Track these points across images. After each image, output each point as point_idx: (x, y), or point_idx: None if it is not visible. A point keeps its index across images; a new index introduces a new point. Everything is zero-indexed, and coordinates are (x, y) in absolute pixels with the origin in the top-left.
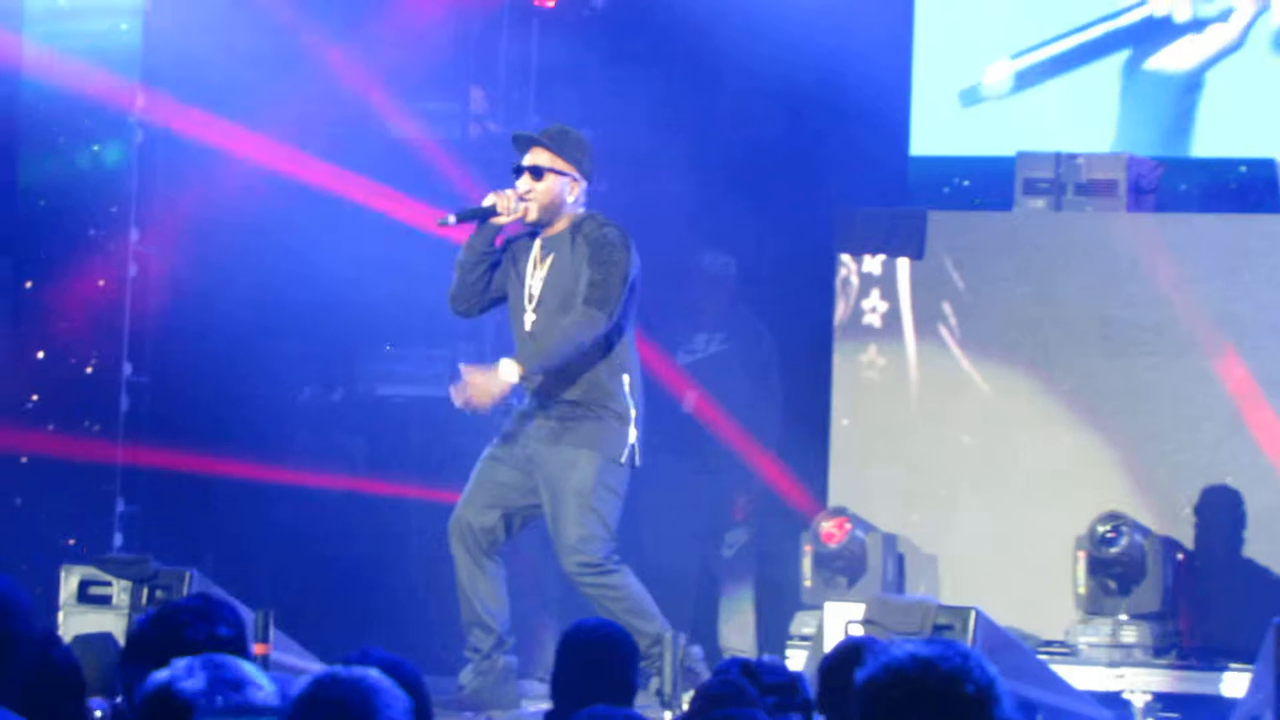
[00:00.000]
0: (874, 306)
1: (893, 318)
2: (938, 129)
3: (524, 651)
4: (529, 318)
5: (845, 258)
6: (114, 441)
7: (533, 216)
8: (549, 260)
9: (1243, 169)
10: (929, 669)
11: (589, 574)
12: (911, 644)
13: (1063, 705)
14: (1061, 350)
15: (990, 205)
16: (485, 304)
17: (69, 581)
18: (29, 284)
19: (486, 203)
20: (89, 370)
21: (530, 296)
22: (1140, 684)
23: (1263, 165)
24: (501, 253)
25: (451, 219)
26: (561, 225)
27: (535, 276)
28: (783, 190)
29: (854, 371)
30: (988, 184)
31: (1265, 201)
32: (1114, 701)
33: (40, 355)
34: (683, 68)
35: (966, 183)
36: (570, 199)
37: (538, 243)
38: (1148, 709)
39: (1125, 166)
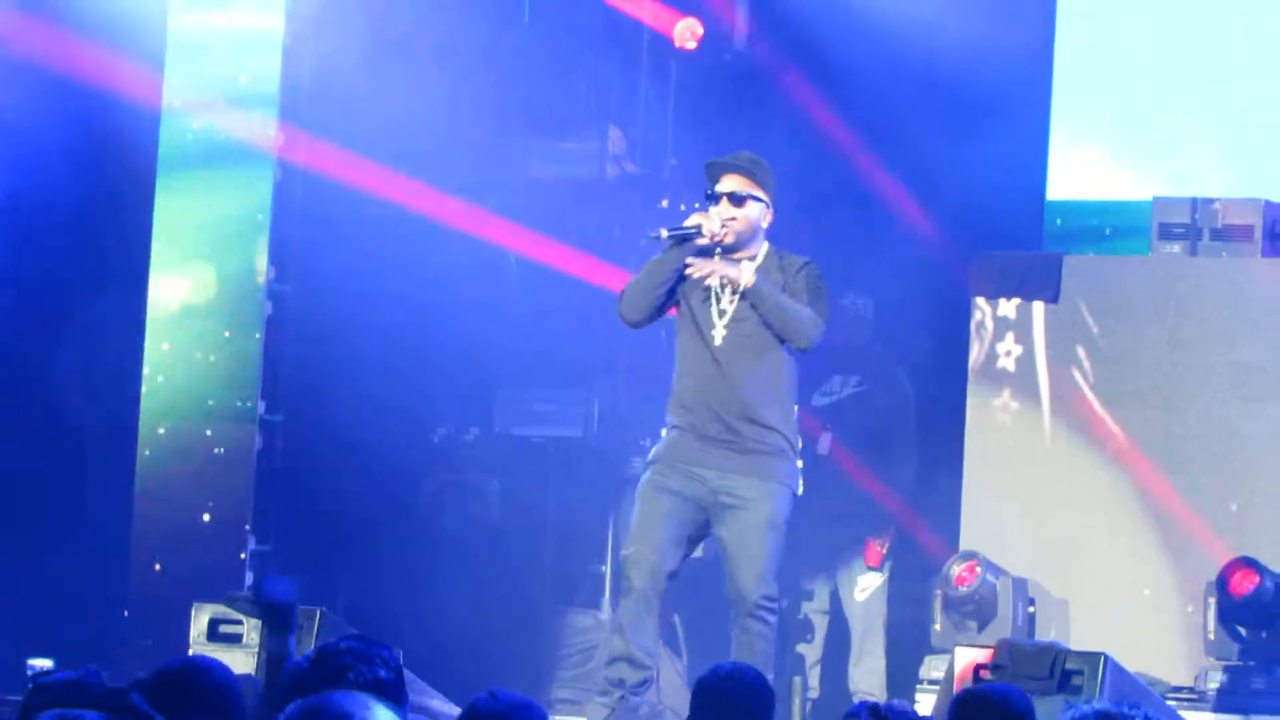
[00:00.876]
0: (1008, 350)
1: (1027, 362)
2: (1076, 172)
3: None
4: (719, 333)
5: (980, 301)
6: (245, 471)
7: (730, 240)
8: (745, 276)
9: None
10: None
11: (767, 609)
12: (1097, 703)
13: None
14: (1196, 396)
15: (1127, 249)
16: (657, 317)
17: (199, 619)
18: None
19: (690, 223)
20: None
21: (723, 313)
22: None
23: None
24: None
25: (663, 233)
26: (752, 250)
27: (728, 297)
28: (920, 232)
29: (987, 415)
30: (1125, 228)
31: None
32: None
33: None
34: (819, 111)
35: (1108, 230)
36: (765, 226)
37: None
38: None
39: (1262, 212)
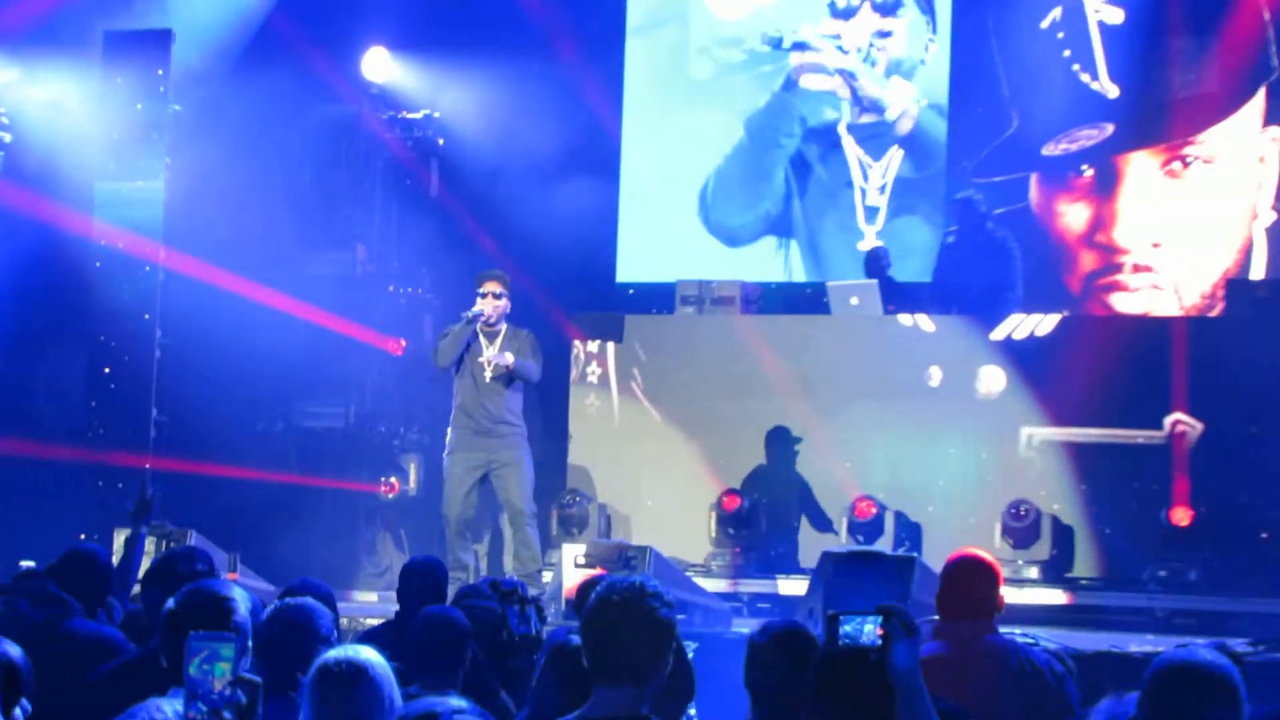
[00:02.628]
0: (594, 370)
1: (604, 377)
2: (633, 264)
3: None
4: (488, 371)
5: (577, 342)
6: (145, 454)
7: (495, 318)
8: (498, 341)
9: (808, 290)
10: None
11: (533, 518)
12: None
13: (699, 601)
14: (703, 396)
15: (662, 310)
16: (455, 362)
17: (119, 537)
18: (106, 369)
19: (476, 309)
20: (127, 409)
21: (489, 361)
22: (745, 589)
23: (820, 286)
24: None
25: (469, 314)
26: (502, 324)
27: (493, 348)
28: (539, 305)
29: (582, 408)
30: (659, 298)
31: (820, 309)
32: (732, 598)
33: (106, 400)
34: (476, 227)
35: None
36: (507, 310)
37: (485, 333)
38: (749, 602)
39: (740, 288)
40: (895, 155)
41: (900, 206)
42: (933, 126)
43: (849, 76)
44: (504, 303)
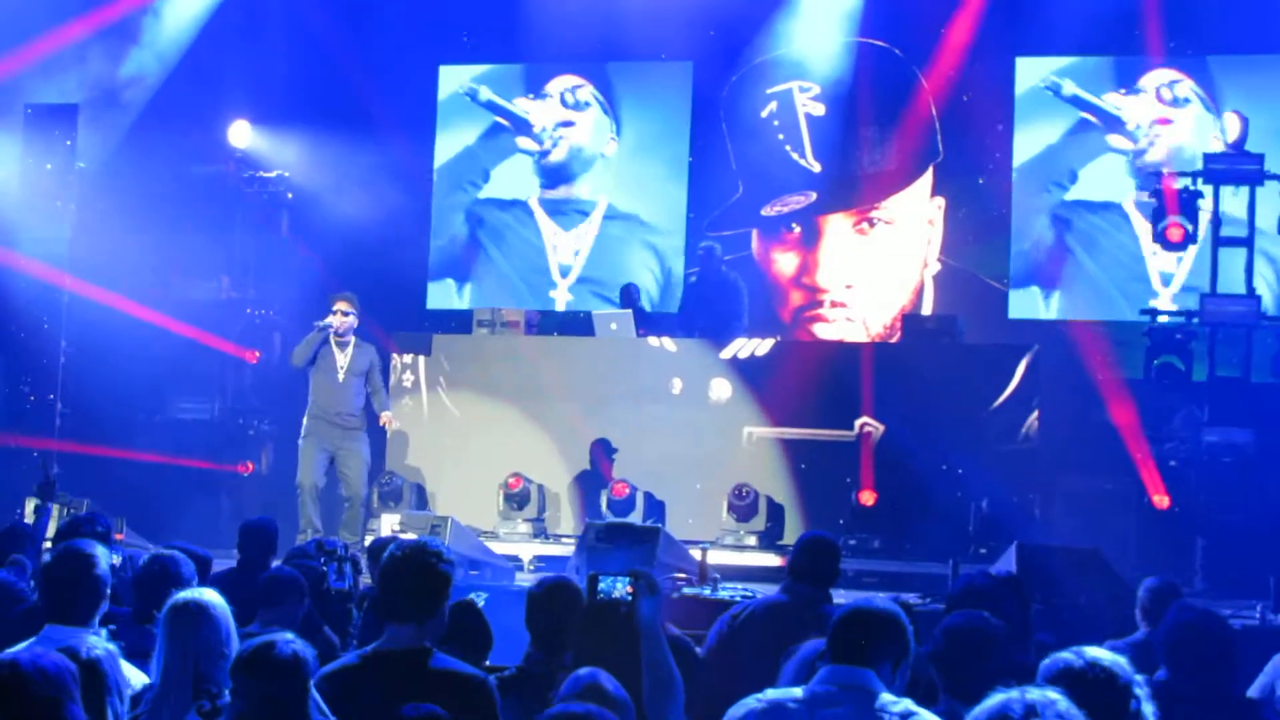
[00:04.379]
0: (408, 377)
1: (416, 383)
2: (441, 297)
3: None
4: (340, 374)
5: (395, 355)
6: (50, 438)
7: (344, 330)
8: (348, 350)
9: (580, 316)
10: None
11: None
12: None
13: (490, 561)
14: (494, 399)
15: (462, 331)
16: (309, 364)
17: (29, 505)
18: (20, 371)
19: (327, 320)
20: (36, 403)
21: (341, 367)
22: (527, 551)
23: (587, 315)
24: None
25: (320, 324)
26: (352, 337)
27: (344, 356)
28: (366, 323)
29: (398, 406)
30: (459, 321)
31: (587, 331)
32: (514, 559)
33: (22, 394)
34: (316, 263)
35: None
36: (355, 325)
37: (336, 342)
38: (532, 561)
39: (524, 314)
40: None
41: None
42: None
43: (540, 156)
44: (352, 319)
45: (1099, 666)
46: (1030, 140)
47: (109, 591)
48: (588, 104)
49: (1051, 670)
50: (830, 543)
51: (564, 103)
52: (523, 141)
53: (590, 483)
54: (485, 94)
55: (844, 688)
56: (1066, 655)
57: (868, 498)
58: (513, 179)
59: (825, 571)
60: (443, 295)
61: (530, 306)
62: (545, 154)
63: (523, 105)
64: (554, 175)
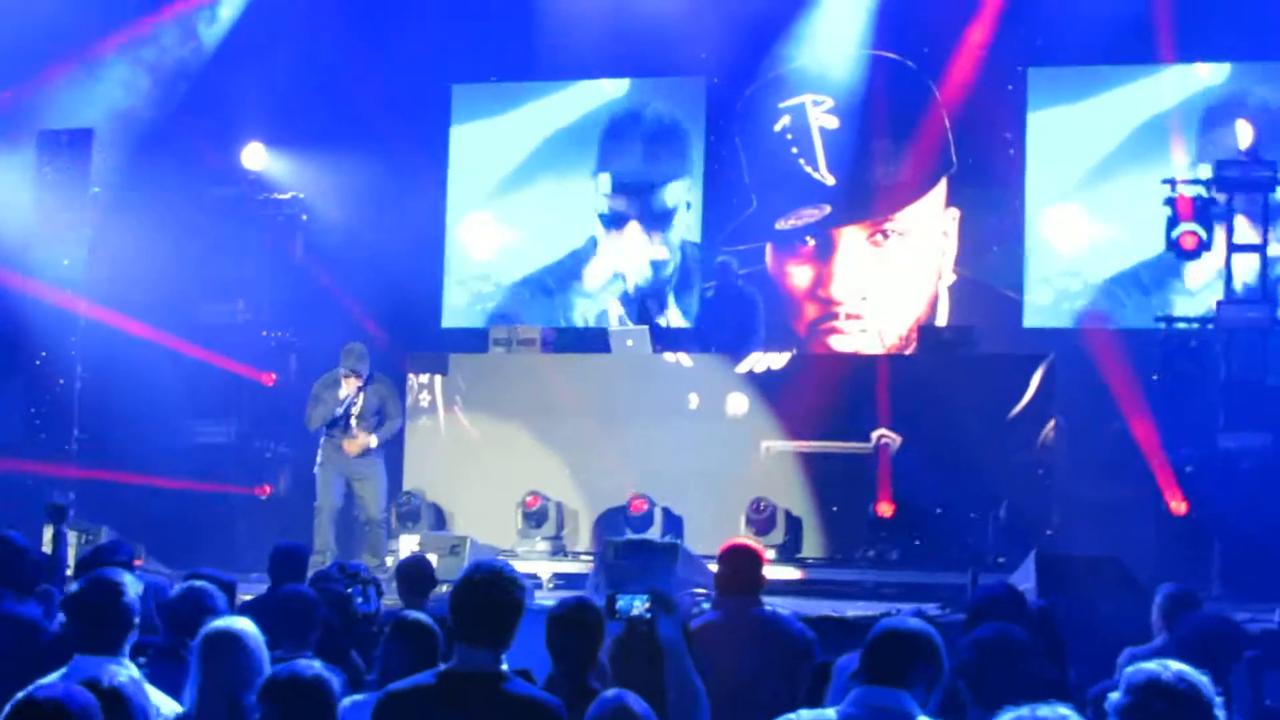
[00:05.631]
0: (425, 397)
1: (433, 403)
2: (454, 314)
3: None
4: (354, 423)
5: (411, 375)
6: (68, 464)
7: (356, 397)
8: (360, 398)
9: (584, 333)
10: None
11: (384, 523)
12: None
13: None
14: (511, 417)
15: (478, 350)
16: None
17: (47, 533)
18: (38, 397)
19: (344, 394)
20: (52, 429)
21: (354, 414)
22: (545, 570)
23: (602, 332)
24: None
25: (341, 400)
26: (365, 378)
27: (356, 407)
28: (381, 344)
29: (415, 427)
30: (475, 340)
31: (604, 348)
32: (533, 577)
33: (37, 420)
34: (332, 285)
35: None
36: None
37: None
38: (552, 579)
39: (540, 331)
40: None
41: None
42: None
43: None
44: (358, 380)
45: (1186, 680)
46: (1043, 149)
47: (137, 620)
48: None
49: (1137, 680)
50: (749, 551)
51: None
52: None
53: (608, 499)
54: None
55: (877, 710)
56: (1153, 666)
57: (885, 509)
58: None
59: (749, 577)
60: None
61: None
62: None
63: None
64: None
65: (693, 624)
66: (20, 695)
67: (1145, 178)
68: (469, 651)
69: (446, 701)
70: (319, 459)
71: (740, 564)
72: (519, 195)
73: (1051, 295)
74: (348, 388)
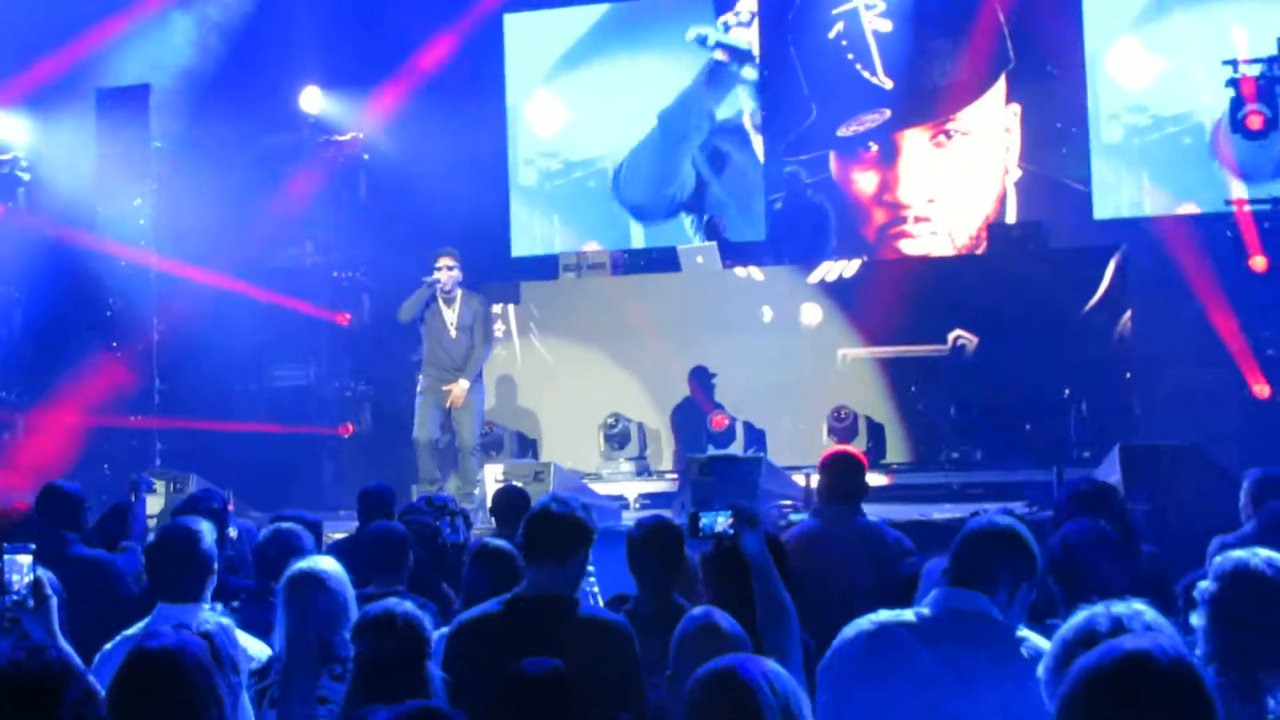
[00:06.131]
0: (501, 326)
1: (507, 332)
2: (524, 241)
3: None
4: (451, 331)
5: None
6: (150, 415)
7: (448, 284)
8: (455, 305)
9: (653, 254)
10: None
11: (480, 449)
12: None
13: (594, 502)
14: (586, 341)
15: (548, 277)
16: (419, 320)
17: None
18: (114, 343)
19: (435, 276)
20: (139, 381)
21: (450, 323)
22: (631, 490)
23: (672, 250)
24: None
25: (428, 280)
26: (458, 291)
27: (452, 311)
28: (470, 280)
29: (492, 356)
30: (545, 267)
31: (673, 267)
32: (619, 498)
33: (122, 374)
34: (398, 222)
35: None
36: (460, 279)
37: (443, 298)
38: (638, 499)
39: (609, 255)
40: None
41: None
42: None
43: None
44: (456, 273)
45: (1275, 566)
46: (1101, 35)
47: (216, 566)
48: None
49: (1225, 568)
50: (851, 459)
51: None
52: (747, 72)
53: (689, 417)
54: (714, 36)
55: (955, 613)
56: (1242, 553)
57: (964, 409)
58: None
59: (852, 487)
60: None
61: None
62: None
63: (741, 36)
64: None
65: (791, 533)
66: (133, 649)
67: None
68: (535, 575)
69: (515, 626)
70: (419, 387)
71: (841, 473)
72: (583, 76)
73: (1121, 131)
74: (439, 274)
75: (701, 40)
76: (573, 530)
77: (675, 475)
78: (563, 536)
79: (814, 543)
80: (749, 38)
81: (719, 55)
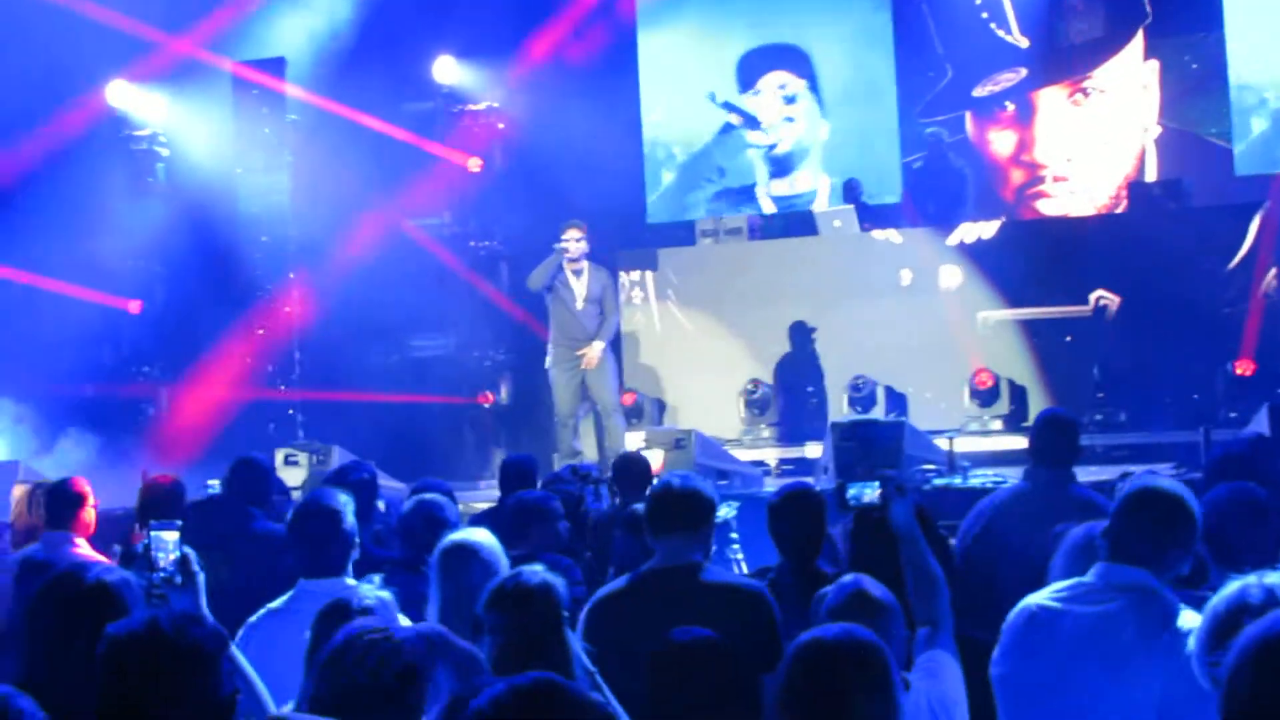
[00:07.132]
0: (637, 294)
1: (645, 299)
2: (659, 208)
3: None
4: (579, 302)
5: (622, 273)
6: (291, 388)
7: (575, 255)
8: (583, 277)
9: (790, 218)
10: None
11: (621, 412)
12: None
13: (737, 469)
14: (724, 307)
15: (685, 243)
16: (545, 288)
17: (279, 456)
18: (254, 317)
19: (563, 244)
20: (279, 354)
21: (579, 295)
22: (772, 456)
23: (808, 214)
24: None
25: (558, 246)
26: (585, 262)
27: (580, 283)
28: (599, 252)
29: (631, 324)
30: (682, 233)
31: (811, 231)
32: (761, 464)
33: (262, 348)
34: (534, 191)
35: (679, 234)
36: (587, 250)
37: (571, 269)
38: (779, 465)
39: (746, 220)
40: None
41: None
42: None
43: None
44: (584, 244)
45: None
46: None
47: (356, 540)
48: (797, 97)
49: None
50: (1066, 419)
51: (783, 100)
52: (753, 136)
53: (830, 381)
54: (721, 96)
55: (1117, 588)
56: None
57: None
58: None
59: (1065, 450)
60: None
61: None
62: (773, 147)
63: (750, 103)
64: (781, 165)
65: (1000, 495)
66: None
67: None
68: (664, 546)
69: (648, 597)
70: (549, 360)
71: (1053, 434)
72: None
73: (1264, 85)
74: (570, 243)
75: (711, 96)
76: (696, 501)
77: (816, 442)
78: (688, 509)
79: (1021, 504)
80: (761, 109)
81: (733, 119)
